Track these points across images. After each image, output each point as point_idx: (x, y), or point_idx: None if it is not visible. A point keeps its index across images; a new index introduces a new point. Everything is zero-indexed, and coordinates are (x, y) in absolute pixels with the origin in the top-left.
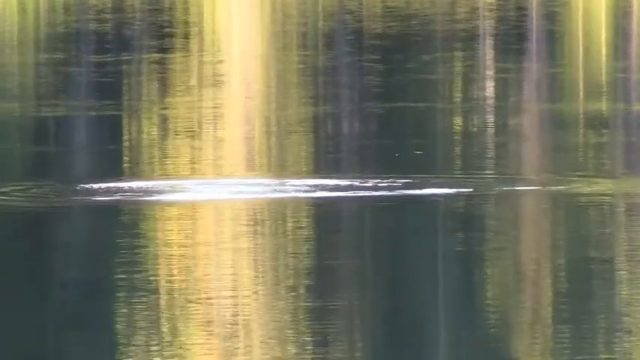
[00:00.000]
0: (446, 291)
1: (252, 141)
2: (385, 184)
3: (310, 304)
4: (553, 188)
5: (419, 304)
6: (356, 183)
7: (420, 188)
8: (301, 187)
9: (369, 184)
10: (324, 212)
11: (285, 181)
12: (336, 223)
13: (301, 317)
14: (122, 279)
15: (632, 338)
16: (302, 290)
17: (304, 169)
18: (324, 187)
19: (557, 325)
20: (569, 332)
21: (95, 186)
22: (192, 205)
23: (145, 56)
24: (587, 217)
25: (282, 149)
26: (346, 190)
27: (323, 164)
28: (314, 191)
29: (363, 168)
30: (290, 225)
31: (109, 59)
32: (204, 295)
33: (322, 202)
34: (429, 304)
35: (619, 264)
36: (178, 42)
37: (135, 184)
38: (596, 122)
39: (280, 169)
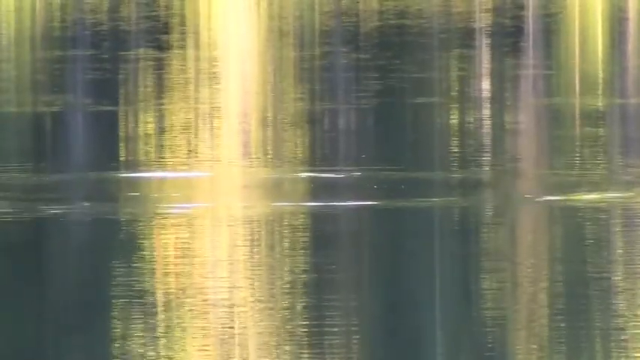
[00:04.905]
0: (444, 301)
1: (247, 136)
2: (372, 184)
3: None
4: (553, 198)
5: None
6: (340, 175)
7: (412, 191)
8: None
9: (359, 179)
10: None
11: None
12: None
13: (295, 330)
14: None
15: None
16: (293, 302)
17: (297, 164)
18: (316, 182)
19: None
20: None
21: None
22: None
23: (140, 53)
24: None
25: (276, 145)
26: (332, 188)
27: (316, 160)
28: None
29: (355, 163)
30: (276, 228)
31: (105, 56)
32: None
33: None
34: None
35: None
36: (174, 39)
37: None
38: (594, 121)
39: (274, 165)
